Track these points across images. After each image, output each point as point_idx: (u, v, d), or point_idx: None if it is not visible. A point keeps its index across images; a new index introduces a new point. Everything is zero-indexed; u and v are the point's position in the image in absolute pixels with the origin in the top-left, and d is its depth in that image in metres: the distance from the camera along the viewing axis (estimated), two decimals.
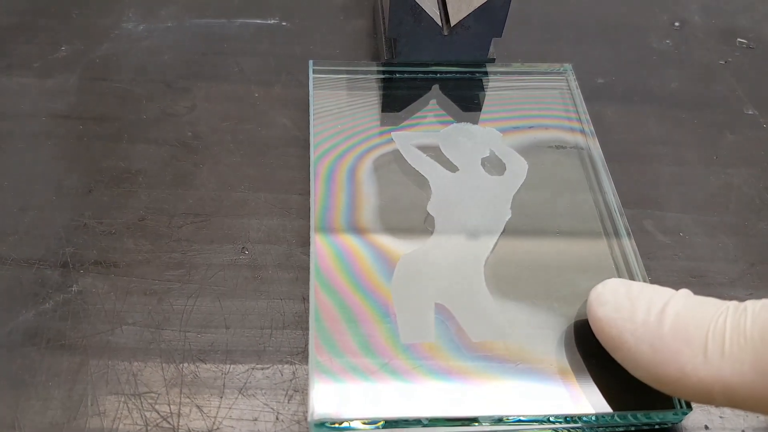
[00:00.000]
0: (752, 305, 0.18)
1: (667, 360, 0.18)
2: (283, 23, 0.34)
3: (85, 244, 0.25)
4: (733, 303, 0.19)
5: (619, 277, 0.23)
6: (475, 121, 0.28)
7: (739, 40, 0.35)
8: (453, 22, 0.28)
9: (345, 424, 0.20)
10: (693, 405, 0.21)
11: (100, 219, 0.26)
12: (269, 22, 0.34)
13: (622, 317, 0.20)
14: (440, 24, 0.28)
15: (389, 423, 0.20)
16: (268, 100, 0.30)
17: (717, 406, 0.19)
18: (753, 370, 0.17)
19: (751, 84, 0.33)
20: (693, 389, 0.18)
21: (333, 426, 0.20)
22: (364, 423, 0.20)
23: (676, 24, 0.36)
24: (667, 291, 0.20)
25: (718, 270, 0.26)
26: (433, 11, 0.28)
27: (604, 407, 0.20)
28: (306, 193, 0.27)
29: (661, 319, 0.19)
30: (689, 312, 0.19)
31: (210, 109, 0.29)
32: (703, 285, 0.25)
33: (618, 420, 0.21)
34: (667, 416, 0.21)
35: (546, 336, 0.22)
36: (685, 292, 0.20)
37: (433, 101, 0.29)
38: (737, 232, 0.27)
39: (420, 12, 0.27)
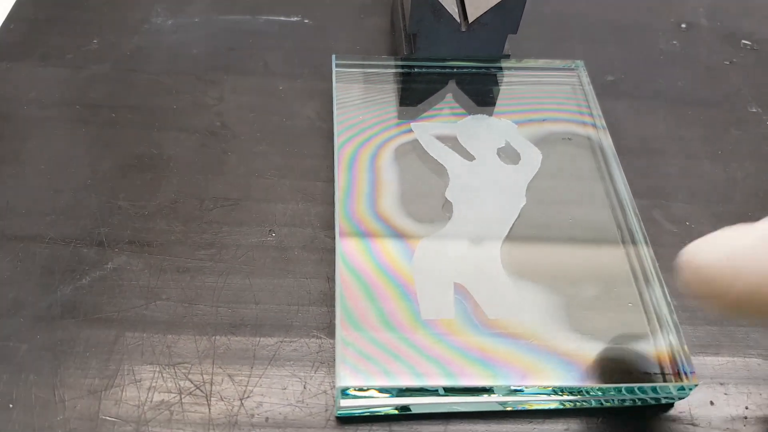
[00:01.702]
0: None
1: None
2: (306, 20, 0.35)
3: (119, 225, 0.26)
4: None
5: (628, 259, 0.25)
6: (490, 114, 0.30)
7: (743, 41, 0.36)
8: (471, 18, 0.29)
9: (368, 392, 0.21)
10: (699, 381, 0.22)
11: (134, 201, 0.27)
12: (292, 19, 0.35)
13: (735, 252, 0.18)
14: (459, 20, 0.29)
15: (410, 391, 0.21)
16: (292, 92, 0.31)
17: None
18: None
19: (754, 83, 0.34)
20: None
21: (357, 394, 0.21)
22: (383, 391, 0.21)
23: (683, 26, 0.37)
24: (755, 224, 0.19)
25: None
26: (452, 8, 0.29)
27: (611, 381, 0.22)
28: (329, 180, 0.28)
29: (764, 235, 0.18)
30: None
31: (237, 101, 0.31)
32: None
33: (625, 393, 0.22)
34: (673, 391, 0.22)
35: (557, 315, 0.23)
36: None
37: (449, 95, 0.30)
38: (741, 221, 0.28)
39: (440, 9, 0.28)
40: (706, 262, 0.19)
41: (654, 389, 0.22)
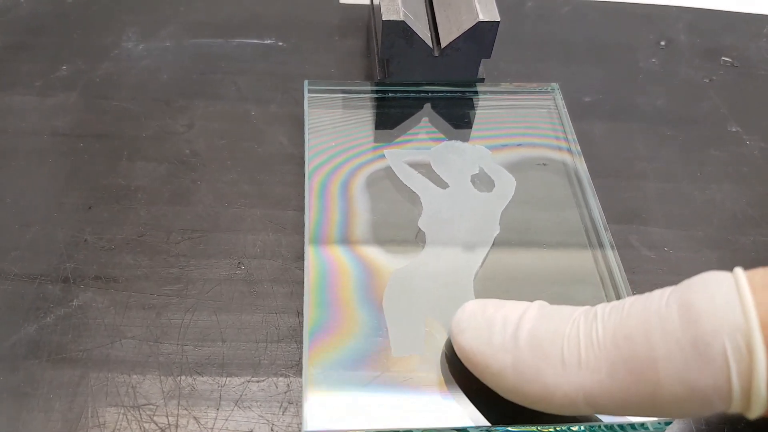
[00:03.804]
0: (602, 309, 0.18)
1: (530, 379, 0.18)
2: (280, 43, 0.35)
3: (85, 260, 0.26)
4: (584, 309, 0.19)
5: (604, 289, 0.24)
6: (465, 139, 0.29)
7: (723, 58, 0.36)
8: (443, 43, 0.29)
9: None
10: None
11: (101, 235, 0.26)
12: (266, 42, 0.35)
13: (482, 343, 0.19)
14: (431, 45, 0.29)
15: None
16: (264, 118, 0.31)
17: (585, 414, 0.19)
18: (610, 377, 0.17)
19: (734, 101, 0.34)
20: (560, 403, 0.18)
21: None
22: None
23: (662, 43, 0.37)
24: (521, 306, 0.20)
25: None
26: (424, 33, 0.29)
27: (594, 419, 0.21)
28: (300, 209, 0.28)
29: (516, 338, 0.19)
30: (542, 326, 0.19)
31: (208, 127, 0.30)
32: None
33: (605, 430, 0.21)
34: (653, 426, 0.21)
35: None
36: (538, 305, 0.20)
37: (425, 119, 0.30)
38: (720, 246, 0.28)
39: (411, 34, 0.28)
40: (465, 349, 0.20)
41: (633, 426, 0.21)
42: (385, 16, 0.27)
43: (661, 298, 0.18)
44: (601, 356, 0.17)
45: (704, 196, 0.30)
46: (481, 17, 0.27)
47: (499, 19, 0.28)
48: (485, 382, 0.20)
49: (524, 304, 0.20)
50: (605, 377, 0.17)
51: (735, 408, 0.17)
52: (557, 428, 0.21)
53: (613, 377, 0.17)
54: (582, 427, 0.21)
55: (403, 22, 0.27)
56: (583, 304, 0.24)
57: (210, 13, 0.36)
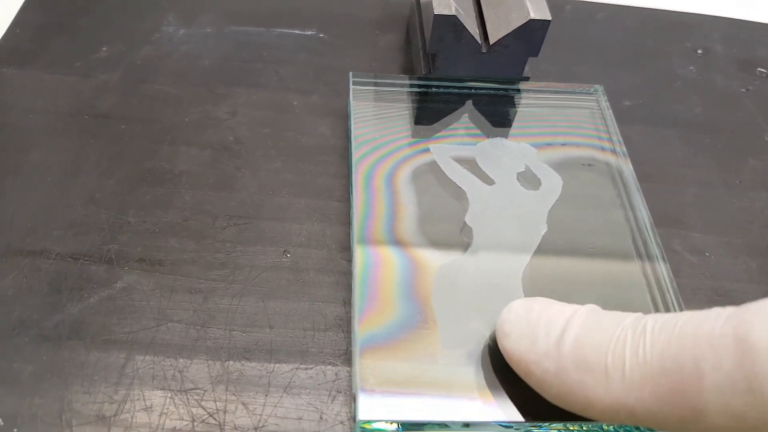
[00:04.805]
0: (651, 323, 0.18)
1: (572, 390, 0.18)
2: (320, 34, 0.35)
3: (129, 242, 0.25)
4: (633, 319, 0.18)
5: (650, 293, 0.24)
6: (507, 136, 0.29)
7: (759, 69, 0.36)
8: (492, 40, 0.29)
9: (389, 426, 0.20)
10: None
11: (144, 218, 0.26)
12: (306, 33, 0.35)
13: (525, 349, 0.19)
14: (479, 42, 0.29)
15: (430, 426, 0.21)
16: (306, 108, 0.31)
17: (628, 425, 0.19)
18: (653, 397, 0.17)
19: None
20: (601, 414, 0.18)
21: (377, 428, 0.20)
22: (406, 426, 0.20)
23: (699, 51, 0.37)
24: (568, 310, 0.19)
25: (743, 289, 0.27)
26: (474, 29, 0.29)
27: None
28: (344, 200, 0.27)
29: (560, 347, 0.19)
30: (588, 334, 0.18)
31: (251, 116, 0.30)
32: (729, 302, 0.26)
33: None
34: None
35: None
36: (587, 310, 0.19)
37: (466, 116, 0.30)
38: (760, 254, 0.28)
39: (461, 30, 0.28)
40: (508, 349, 0.20)
41: None
42: (437, 10, 0.27)
43: (715, 322, 0.17)
44: (646, 374, 0.17)
45: (742, 204, 0.30)
46: (533, 15, 0.28)
47: (550, 18, 0.28)
48: (529, 384, 0.20)
49: (572, 307, 0.20)
50: (648, 396, 0.17)
51: None
52: (606, 427, 0.21)
53: (656, 397, 0.17)
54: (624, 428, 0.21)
55: (454, 16, 0.27)
56: (630, 307, 0.24)
57: (250, 1, 0.36)
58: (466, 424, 0.21)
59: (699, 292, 0.26)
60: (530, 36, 0.28)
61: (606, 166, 0.28)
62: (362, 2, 0.37)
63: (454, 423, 0.21)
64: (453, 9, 0.28)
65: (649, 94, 0.34)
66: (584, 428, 0.21)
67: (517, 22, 0.28)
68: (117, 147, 0.28)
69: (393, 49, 0.35)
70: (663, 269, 0.25)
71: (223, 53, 0.33)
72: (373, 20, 0.36)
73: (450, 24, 0.28)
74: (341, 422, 0.22)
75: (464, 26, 0.28)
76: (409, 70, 0.33)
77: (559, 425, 0.21)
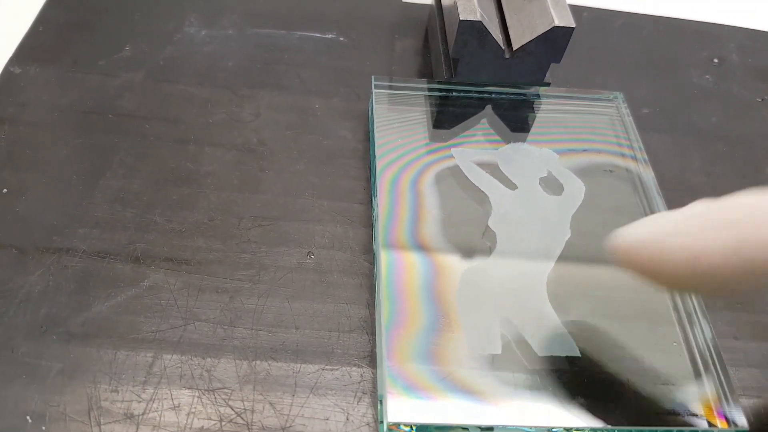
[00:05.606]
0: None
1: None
2: (341, 38, 0.35)
3: (155, 241, 0.26)
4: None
5: (671, 298, 0.24)
6: (527, 142, 0.29)
7: None
8: (515, 46, 0.29)
9: (415, 429, 0.21)
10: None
11: (170, 217, 0.26)
12: (327, 36, 0.35)
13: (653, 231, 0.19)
14: (503, 47, 0.29)
15: (456, 429, 0.21)
16: (328, 111, 0.31)
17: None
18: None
19: None
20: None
21: (404, 430, 0.21)
22: (429, 428, 0.21)
23: (715, 60, 0.37)
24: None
25: (763, 298, 0.27)
26: (497, 35, 0.29)
27: (662, 423, 0.21)
28: (366, 203, 0.28)
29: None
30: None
31: (274, 118, 0.30)
32: (748, 311, 0.26)
33: None
34: None
35: (606, 352, 0.23)
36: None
37: (486, 121, 0.30)
38: None
39: (486, 35, 0.28)
40: (634, 241, 0.20)
41: None
42: (462, 15, 0.28)
43: None
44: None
45: None
46: (557, 22, 0.28)
47: (574, 25, 0.28)
48: (664, 275, 0.19)
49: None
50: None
51: None
52: (633, 429, 0.21)
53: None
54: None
55: (479, 22, 0.28)
56: (652, 310, 0.24)
57: (271, 4, 0.36)
58: (490, 428, 0.21)
59: (718, 299, 0.27)
60: (553, 42, 0.29)
61: (627, 172, 0.28)
62: (381, 6, 0.37)
63: (477, 427, 0.21)
64: (478, 14, 0.28)
65: (666, 103, 0.34)
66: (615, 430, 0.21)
67: (541, 29, 0.28)
68: (142, 147, 0.29)
69: (412, 52, 0.35)
70: None
71: (246, 55, 0.33)
72: (392, 24, 0.36)
73: (474, 29, 0.28)
74: (367, 423, 0.22)
75: (488, 32, 0.28)
76: (428, 73, 0.34)
77: (584, 429, 0.21)
